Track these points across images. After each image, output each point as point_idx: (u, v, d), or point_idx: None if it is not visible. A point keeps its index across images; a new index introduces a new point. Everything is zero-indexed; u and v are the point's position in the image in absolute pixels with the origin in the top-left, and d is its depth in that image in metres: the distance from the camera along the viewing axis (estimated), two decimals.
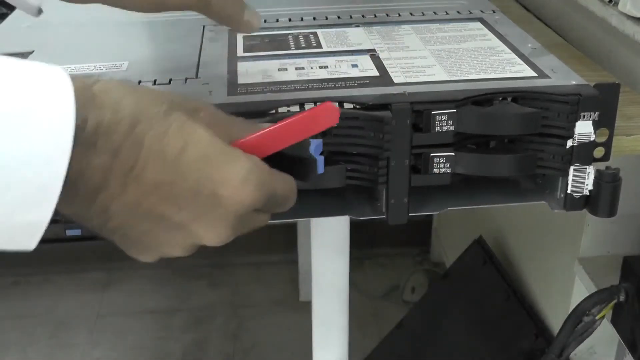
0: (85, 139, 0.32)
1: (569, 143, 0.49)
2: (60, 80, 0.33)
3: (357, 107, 0.49)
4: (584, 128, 0.48)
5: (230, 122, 0.40)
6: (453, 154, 0.49)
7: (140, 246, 0.38)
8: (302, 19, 0.68)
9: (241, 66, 0.56)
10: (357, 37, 0.62)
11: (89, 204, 0.35)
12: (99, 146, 0.33)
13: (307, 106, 0.48)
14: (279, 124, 0.40)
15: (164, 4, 0.46)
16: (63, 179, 0.32)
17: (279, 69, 0.55)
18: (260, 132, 0.40)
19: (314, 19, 0.69)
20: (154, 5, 0.46)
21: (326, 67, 0.55)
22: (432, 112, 0.48)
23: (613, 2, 0.69)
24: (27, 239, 0.34)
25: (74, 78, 0.33)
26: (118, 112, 0.34)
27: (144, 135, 0.34)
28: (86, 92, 0.33)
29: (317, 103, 0.48)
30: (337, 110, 0.42)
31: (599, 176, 0.50)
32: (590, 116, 0.48)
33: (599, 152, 0.50)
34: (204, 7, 0.46)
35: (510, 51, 0.58)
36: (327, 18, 0.69)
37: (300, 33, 0.64)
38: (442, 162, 0.49)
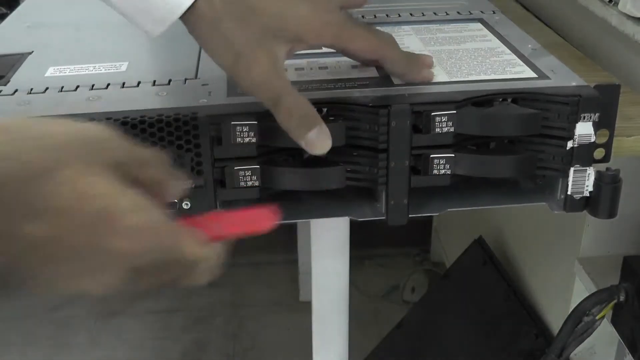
0: None
1: (569, 144, 0.49)
2: None
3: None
4: (584, 129, 0.48)
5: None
6: (453, 155, 0.49)
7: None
8: None
9: None
10: None
11: None
12: None
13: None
14: (210, 214, 0.38)
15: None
16: None
17: None
18: (192, 218, 0.37)
19: None
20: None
21: (326, 67, 0.55)
22: (432, 113, 0.48)
23: (613, 2, 0.69)
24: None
25: None
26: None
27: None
28: None
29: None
30: (274, 219, 0.38)
31: (599, 177, 0.50)
32: (591, 117, 0.48)
33: (599, 153, 0.50)
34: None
35: (510, 52, 0.58)
36: None
37: None
38: (442, 163, 0.49)
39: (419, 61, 0.52)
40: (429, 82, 0.51)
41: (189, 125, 0.47)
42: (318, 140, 0.43)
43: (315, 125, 0.43)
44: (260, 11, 0.43)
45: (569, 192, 0.50)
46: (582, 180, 0.50)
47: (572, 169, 0.50)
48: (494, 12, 0.70)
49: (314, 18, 0.46)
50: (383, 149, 0.48)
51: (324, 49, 0.59)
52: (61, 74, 0.56)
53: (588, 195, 0.51)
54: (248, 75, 0.43)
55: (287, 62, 0.56)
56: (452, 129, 0.48)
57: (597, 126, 0.48)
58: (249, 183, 0.48)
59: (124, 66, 0.58)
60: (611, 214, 0.51)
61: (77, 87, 0.53)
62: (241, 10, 0.42)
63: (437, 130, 0.48)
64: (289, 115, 0.43)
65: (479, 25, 0.65)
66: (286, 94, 0.43)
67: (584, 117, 0.48)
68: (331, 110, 0.49)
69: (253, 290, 1.60)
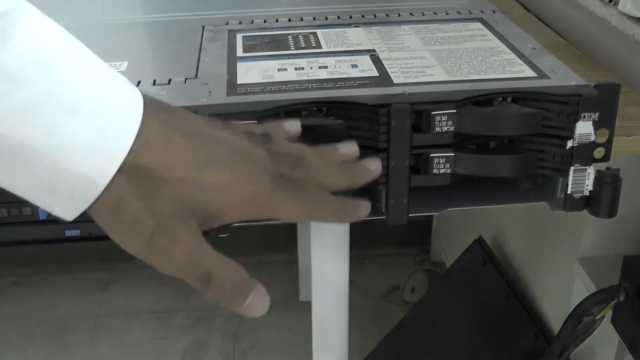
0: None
1: (569, 143, 0.49)
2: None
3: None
4: (584, 128, 0.48)
5: None
6: (453, 154, 0.49)
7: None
8: (301, 19, 0.68)
9: (241, 66, 0.56)
10: (357, 37, 0.62)
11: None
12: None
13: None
14: None
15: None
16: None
17: (278, 69, 0.55)
18: None
19: (314, 19, 0.69)
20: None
21: (326, 67, 0.55)
22: (432, 113, 0.48)
23: (613, 2, 0.69)
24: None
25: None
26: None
27: None
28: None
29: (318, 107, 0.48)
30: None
31: (599, 177, 0.50)
32: (591, 117, 0.48)
33: (599, 152, 0.50)
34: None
35: (510, 51, 0.58)
36: (326, 18, 0.69)
37: (299, 33, 0.64)
38: (442, 163, 0.49)
39: (352, 206, 0.44)
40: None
41: None
42: (256, 304, 0.40)
43: (251, 290, 0.39)
44: (169, 181, 0.34)
45: (569, 192, 0.50)
46: (582, 180, 0.50)
47: (572, 168, 0.50)
48: (494, 12, 0.70)
49: (234, 190, 0.37)
50: (383, 148, 0.48)
51: (324, 49, 0.60)
52: None
53: (588, 194, 0.51)
54: (167, 260, 0.36)
55: (287, 61, 0.57)
56: (452, 129, 0.48)
57: (597, 125, 0.48)
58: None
59: (124, 66, 0.58)
60: (611, 213, 0.51)
61: None
62: (148, 185, 0.34)
63: (437, 129, 0.48)
64: (222, 290, 0.38)
65: (479, 25, 0.65)
66: (216, 268, 0.37)
67: (584, 117, 0.48)
68: (331, 110, 0.49)
69: None
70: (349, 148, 0.45)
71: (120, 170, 0.33)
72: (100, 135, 0.32)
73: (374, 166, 0.45)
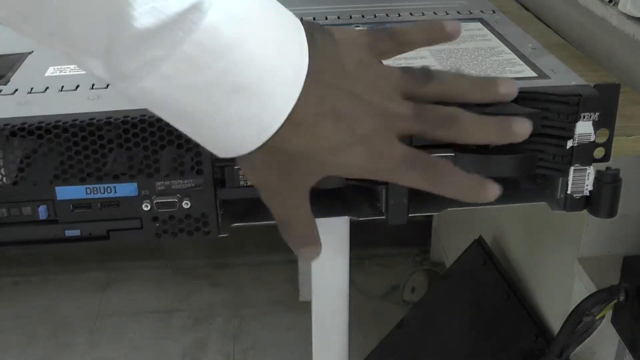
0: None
1: (569, 143, 0.49)
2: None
3: None
4: (584, 128, 0.48)
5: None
6: (453, 154, 0.49)
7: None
8: (301, 19, 0.68)
9: None
10: None
11: None
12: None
13: None
14: None
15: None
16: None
17: None
18: None
19: (314, 19, 0.69)
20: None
21: None
22: None
23: (613, 2, 0.69)
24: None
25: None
26: None
27: None
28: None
29: None
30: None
31: (599, 177, 0.50)
32: (591, 116, 0.48)
33: (599, 152, 0.50)
34: None
35: (510, 51, 0.58)
36: (327, 18, 0.69)
37: None
38: None
39: (482, 188, 0.43)
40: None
41: None
42: (306, 257, 0.45)
43: (308, 247, 0.44)
44: (303, 159, 0.39)
45: (569, 192, 0.50)
46: (582, 180, 0.50)
47: (572, 168, 0.50)
48: (494, 12, 0.70)
49: (361, 166, 0.40)
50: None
51: None
52: (61, 74, 0.56)
53: (588, 194, 0.51)
54: (270, 208, 0.43)
55: None
56: None
57: (597, 125, 0.48)
58: (249, 182, 0.48)
59: None
60: (611, 213, 0.51)
61: (77, 86, 0.53)
62: (282, 158, 0.39)
63: None
64: (287, 238, 0.44)
65: (479, 25, 0.65)
66: (293, 223, 0.43)
67: (584, 117, 0.48)
68: None
69: (253, 290, 1.60)
70: (510, 86, 0.43)
71: (261, 147, 0.38)
72: (257, 114, 0.37)
73: (526, 128, 0.43)
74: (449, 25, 0.43)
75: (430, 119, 0.40)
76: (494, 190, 0.42)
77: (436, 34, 0.44)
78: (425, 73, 0.41)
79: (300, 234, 0.43)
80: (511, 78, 0.44)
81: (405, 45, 0.43)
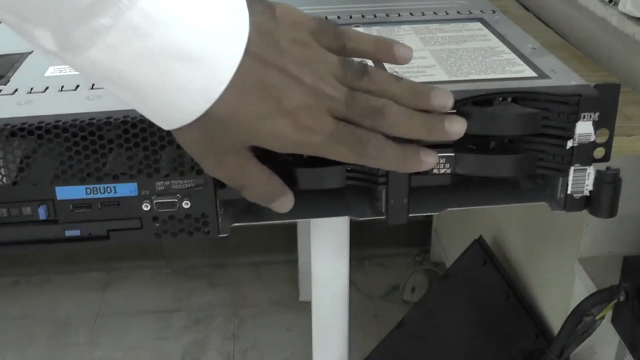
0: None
1: (569, 143, 0.49)
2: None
3: None
4: (584, 128, 0.48)
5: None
6: (453, 154, 0.49)
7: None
8: None
9: None
10: None
11: None
12: None
13: None
14: None
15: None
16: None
17: None
18: None
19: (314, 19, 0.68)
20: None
21: None
22: None
23: (613, 2, 0.69)
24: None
25: None
26: None
27: None
28: None
29: None
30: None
31: (599, 177, 0.50)
32: (591, 116, 0.48)
33: (599, 152, 0.50)
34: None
35: (510, 51, 0.58)
36: (327, 18, 0.69)
37: None
38: (442, 163, 0.49)
39: (415, 157, 0.44)
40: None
41: None
42: (279, 207, 0.46)
43: (276, 199, 0.46)
44: (232, 127, 0.40)
45: (569, 192, 0.50)
46: (582, 180, 0.50)
47: (572, 168, 0.50)
48: (494, 12, 0.70)
49: (289, 139, 0.41)
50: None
51: None
52: (61, 74, 0.56)
53: (588, 194, 0.51)
54: (219, 174, 0.44)
55: None
56: None
57: (597, 125, 0.48)
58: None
59: None
60: (611, 213, 0.51)
61: (77, 86, 0.53)
62: (215, 126, 0.40)
63: None
64: (251, 196, 0.46)
65: (479, 25, 0.65)
66: (249, 181, 0.44)
67: (584, 117, 0.48)
68: None
69: (253, 290, 1.60)
70: (443, 99, 0.43)
71: (200, 116, 0.39)
72: (202, 82, 0.38)
73: (458, 127, 0.44)
74: (401, 49, 0.45)
75: (358, 107, 0.42)
76: (428, 157, 0.44)
77: (383, 54, 0.45)
78: (361, 69, 0.42)
79: (261, 191, 0.45)
80: (448, 90, 0.44)
81: (347, 50, 0.45)
